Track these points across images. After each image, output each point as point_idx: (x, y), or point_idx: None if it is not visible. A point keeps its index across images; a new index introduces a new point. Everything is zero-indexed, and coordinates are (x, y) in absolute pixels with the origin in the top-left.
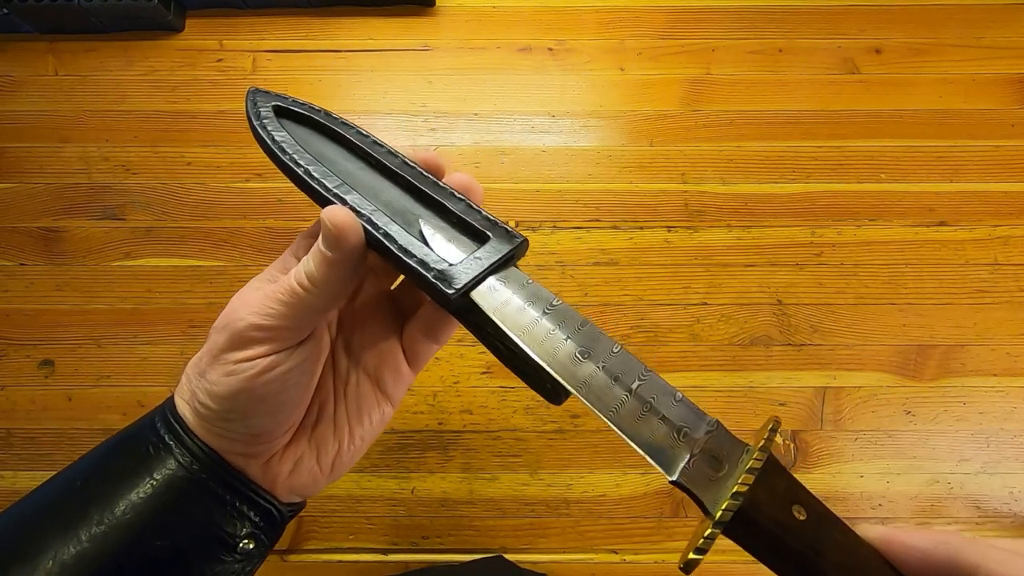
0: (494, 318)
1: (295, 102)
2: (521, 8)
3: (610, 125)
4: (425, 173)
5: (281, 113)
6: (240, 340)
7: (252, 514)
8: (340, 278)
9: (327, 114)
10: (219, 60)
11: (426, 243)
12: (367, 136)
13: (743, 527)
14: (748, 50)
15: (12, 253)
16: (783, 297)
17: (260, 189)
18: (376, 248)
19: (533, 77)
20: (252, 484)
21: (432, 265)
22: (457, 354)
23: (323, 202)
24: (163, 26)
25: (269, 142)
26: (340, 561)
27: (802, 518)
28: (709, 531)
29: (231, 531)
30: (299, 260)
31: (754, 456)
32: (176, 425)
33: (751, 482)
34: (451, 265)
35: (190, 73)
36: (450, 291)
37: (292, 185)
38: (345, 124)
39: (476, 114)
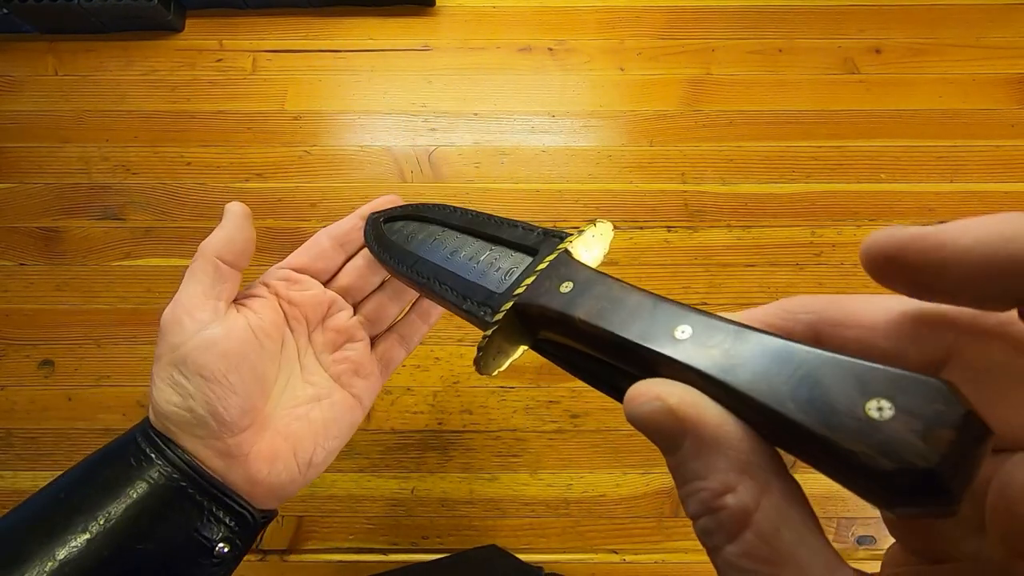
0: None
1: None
2: (521, 8)
3: (610, 125)
4: (479, 213)
5: (385, 221)
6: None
7: (228, 519)
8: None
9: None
10: (219, 60)
11: (484, 275)
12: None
13: (520, 317)
14: (748, 50)
15: (12, 253)
16: (783, 297)
17: (260, 189)
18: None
19: (533, 77)
20: (228, 490)
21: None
22: (457, 354)
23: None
24: (163, 26)
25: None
26: (340, 561)
27: (566, 290)
28: (489, 331)
29: (208, 535)
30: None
31: (546, 257)
32: (157, 439)
33: (530, 282)
34: (497, 293)
35: (190, 73)
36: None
37: (291, 185)
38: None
39: (476, 114)
